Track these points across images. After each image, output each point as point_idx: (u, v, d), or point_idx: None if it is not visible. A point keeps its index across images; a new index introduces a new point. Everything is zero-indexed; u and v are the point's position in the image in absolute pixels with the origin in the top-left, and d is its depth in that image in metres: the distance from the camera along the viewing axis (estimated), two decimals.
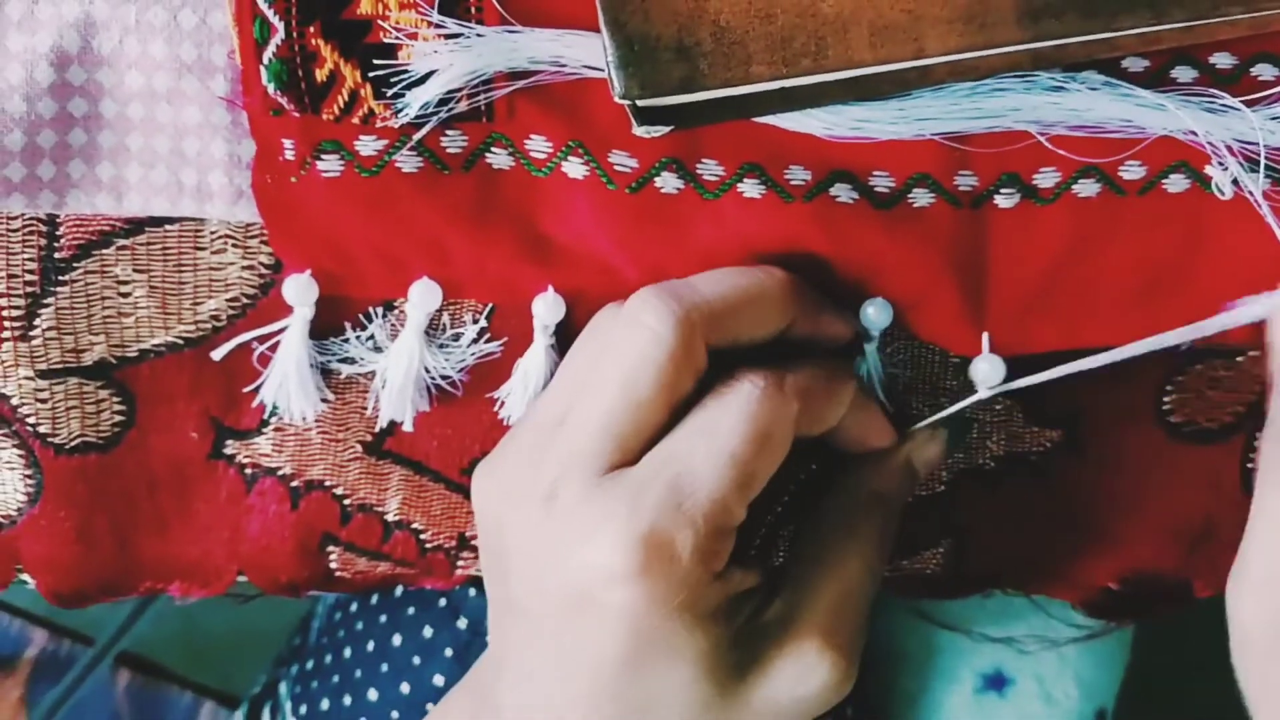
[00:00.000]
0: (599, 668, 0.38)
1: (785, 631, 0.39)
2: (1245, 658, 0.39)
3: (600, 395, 0.37)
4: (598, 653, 0.37)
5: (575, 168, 0.40)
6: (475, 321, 0.43)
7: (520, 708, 0.40)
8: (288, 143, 0.39)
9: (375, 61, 0.38)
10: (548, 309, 0.42)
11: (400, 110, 0.39)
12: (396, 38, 0.38)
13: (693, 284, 0.39)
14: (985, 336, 0.42)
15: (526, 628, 0.39)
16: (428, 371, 0.43)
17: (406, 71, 0.38)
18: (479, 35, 0.38)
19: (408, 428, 0.44)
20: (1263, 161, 0.39)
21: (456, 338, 0.43)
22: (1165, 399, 0.44)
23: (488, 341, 0.43)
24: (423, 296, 0.42)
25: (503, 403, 0.43)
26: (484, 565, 0.41)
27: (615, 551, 0.36)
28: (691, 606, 0.37)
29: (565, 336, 0.43)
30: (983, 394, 0.42)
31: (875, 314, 0.42)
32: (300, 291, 0.42)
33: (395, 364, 0.43)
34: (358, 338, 0.43)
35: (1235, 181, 0.39)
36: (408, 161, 0.40)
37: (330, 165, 0.40)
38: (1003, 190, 0.40)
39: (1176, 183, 0.40)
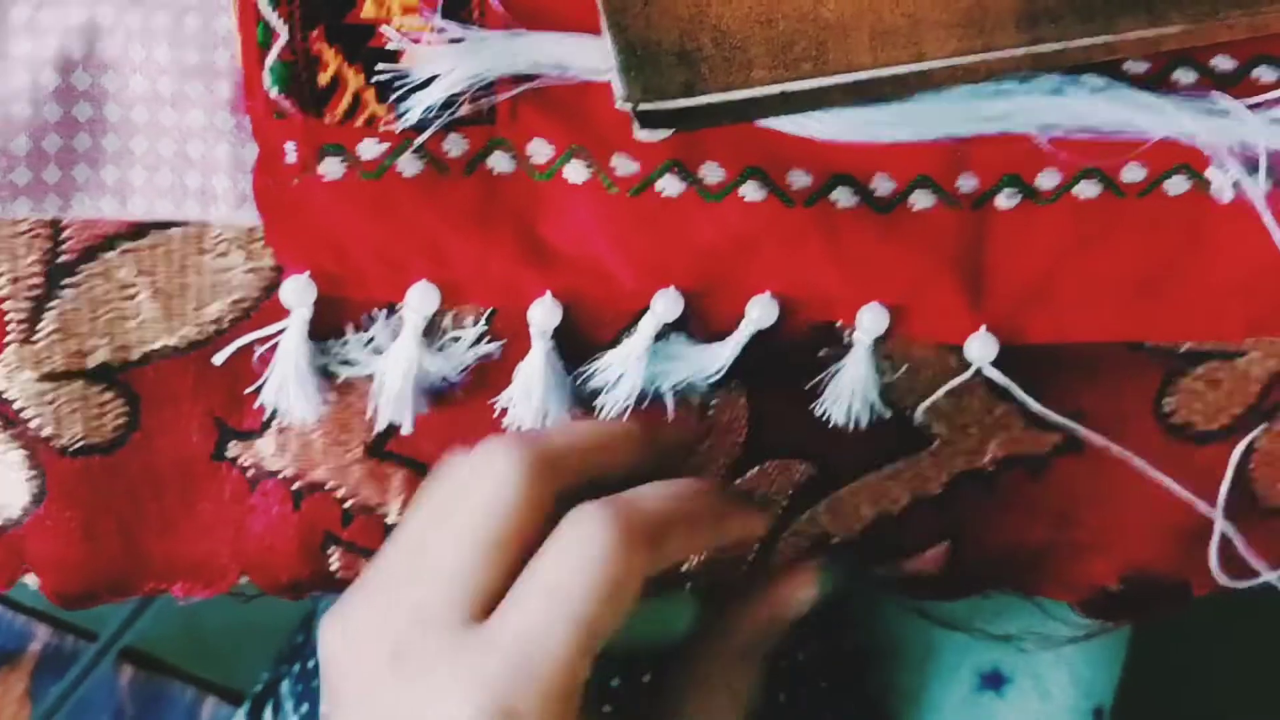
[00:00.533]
0: None
1: None
2: None
3: (450, 545, 0.37)
4: None
5: (577, 171, 0.40)
6: (475, 324, 0.43)
7: None
8: (290, 146, 0.40)
9: (378, 65, 0.38)
10: (545, 315, 0.42)
11: (403, 114, 0.39)
12: (400, 42, 0.38)
13: (541, 431, 0.40)
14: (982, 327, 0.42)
15: None
16: (427, 374, 0.43)
17: (409, 76, 0.38)
18: (482, 39, 0.38)
19: (407, 430, 0.44)
20: (1263, 164, 0.39)
21: (457, 340, 0.43)
22: (1165, 400, 0.44)
23: (488, 344, 0.43)
24: (421, 299, 0.42)
25: (505, 410, 0.44)
26: (324, 714, 0.41)
27: (473, 714, 0.35)
28: None
29: (564, 342, 0.43)
30: (965, 376, 0.42)
31: (870, 320, 0.42)
32: (298, 293, 0.42)
33: (393, 366, 0.43)
34: (358, 340, 0.43)
35: (1236, 184, 0.39)
36: (409, 165, 0.40)
37: (332, 168, 0.40)
38: (1004, 191, 0.40)
39: (1177, 185, 0.40)
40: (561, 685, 0.36)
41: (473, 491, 0.37)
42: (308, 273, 0.42)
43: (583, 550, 0.36)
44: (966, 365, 0.43)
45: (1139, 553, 0.46)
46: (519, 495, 0.37)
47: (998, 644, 0.59)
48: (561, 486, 0.38)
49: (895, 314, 0.42)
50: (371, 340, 0.43)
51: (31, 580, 0.47)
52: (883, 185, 0.40)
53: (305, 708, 0.61)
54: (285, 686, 0.64)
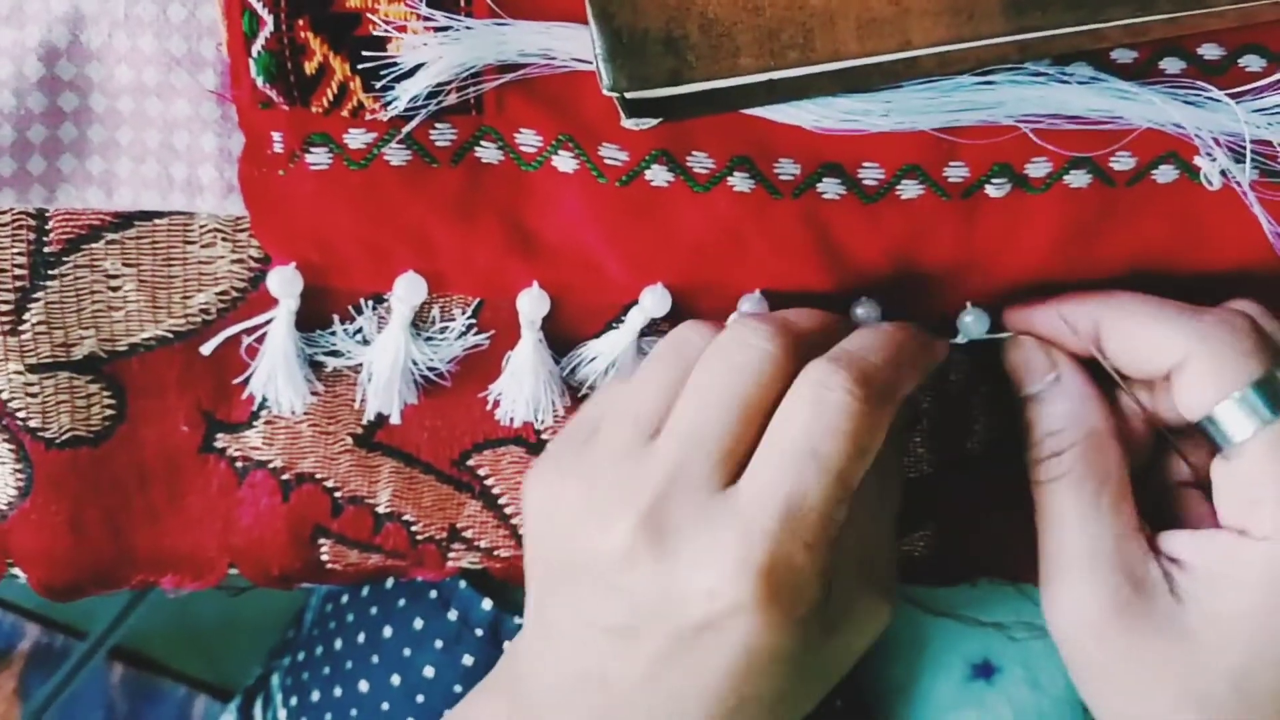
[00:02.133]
0: (711, 692, 0.37)
1: (843, 593, 0.39)
2: (1071, 664, 0.40)
3: (703, 409, 0.37)
4: (712, 678, 0.37)
5: (565, 161, 0.40)
6: (464, 315, 0.43)
7: None
8: (276, 135, 0.39)
9: (364, 54, 0.38)
10: (532, 304, 0.42)
11: (389, 103, 0.39)
12: (385, 30, 0.38)
13: (780, 314, 0.40)
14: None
15: (612, 654, 0.38)
16: (415, 364, 0.43)
17: (395, 64, 0.38)
18: (468, 28, 0.38)
19: (395, 420, 0.44)
20: (1248, 153, 0.39)
21: (444, 330, 0.43)
22: None
23: (475, 334, 0.43)
24: (407, 290, 0.42)
25: (497, 401, 0.43)
26: (539, 580, 0.40)
27: (738, 583, 0.35)
28: (804, 620, 0.37)
29: (551, 332, 0.43)
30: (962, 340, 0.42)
31: (865, 314, 0.42)
32: (285, 283, 0.42)
33: (381, 357, 0.43)
34: (345, 330, 0.43)
35: (1224, 172, 0.39)
36: (396, 154, 0.40)
37: (319, 158, 0.40)
38: (994, 180, 0.40)
39: (1166, 173, 0.40)
40: (824, 537, 0.36)
41: (735, 363, 0.37)
42: (294, 264, 0.42)
43: (830, 408, 0.36)
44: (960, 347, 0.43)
45: None
46: (764, 360, 0.37)
47: (988, 633, 0.59)
48: (800, 354, 0.38)
49: (885, 303, 0.42)
50: (359, 331, 0.43)
51: (19, 573, 0.47)
52: (871, 174, 0.40)
53: (294, 700, 0.61)
54: (275, 680, 0.64)
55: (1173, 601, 0.38)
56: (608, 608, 0.37)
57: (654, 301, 0.42)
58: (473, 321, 0.43)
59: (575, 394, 0.44)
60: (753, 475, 0.36)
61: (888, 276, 0.41)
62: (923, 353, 0.40)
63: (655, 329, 0.43)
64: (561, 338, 0.43)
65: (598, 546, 0.37)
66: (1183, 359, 0.38)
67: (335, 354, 0.43)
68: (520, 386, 0.43)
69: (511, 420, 0.44)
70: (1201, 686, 0.38)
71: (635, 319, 0.42)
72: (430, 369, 0.43)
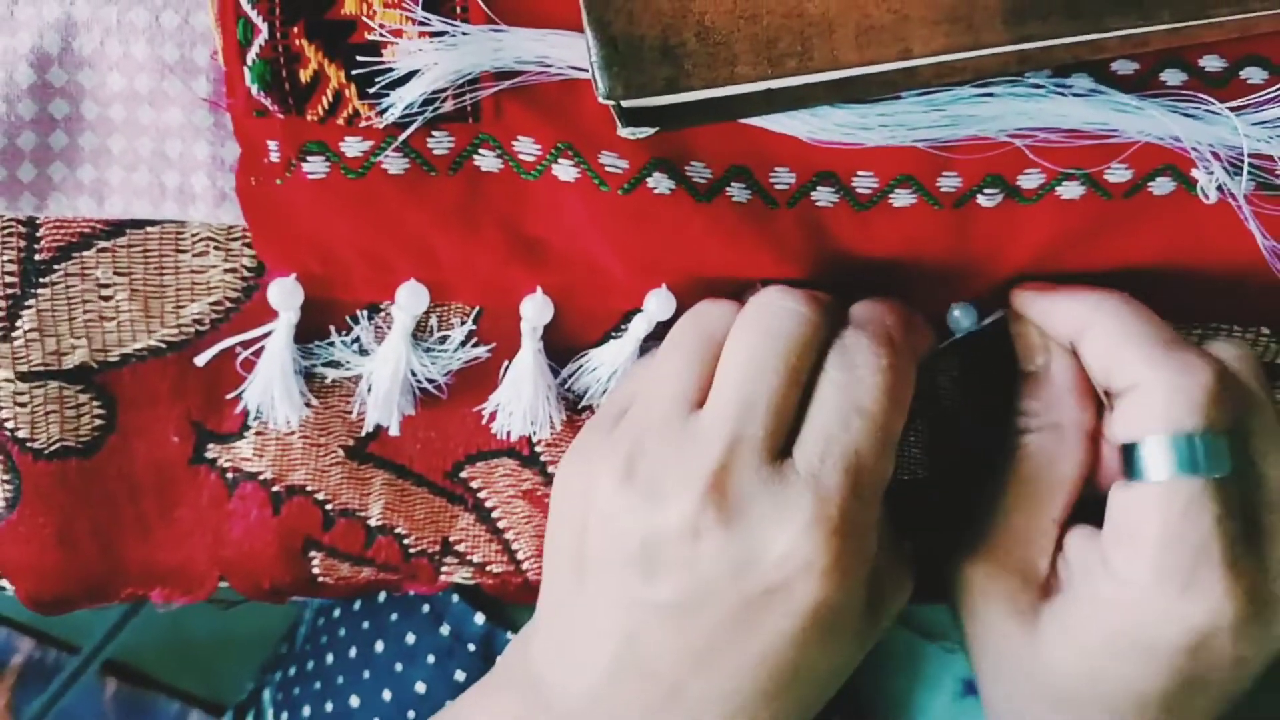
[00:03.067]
0: (770, 664, 0.38)
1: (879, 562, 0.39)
2: (967, 636, 0.42)
3: (749, 378, 0.37)
4: (773, 647, 0.37)
5: (565, 170, 0.39)
6: (463, 324, 0.42)
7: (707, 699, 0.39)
8: (272, 144, 0.39)
9: (359, 59, 0.38)
10: (536, 310, 0.42)
11: (385, 110, 0.38)
12: (381, 35, 0.38)
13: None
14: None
15: (663, 636, 0.38)
16: (413, 375, 0.42)
17: (390, 71, 0.38)
18: (464, 34, 0.38)
19: (394, 432, 0.43)
20: (1245, 167, 0.39)
21: (443, 341, 0.43)
22: None
23: (475, 345, 0.43)
24: (409, 299, 0.41)
25: (494, 414, 0.43)
26: (565, 572, 0.40)
27: (812, 542, 0.36)
28: (865, 577, 0.38)
29: (553, 339, 0.42)
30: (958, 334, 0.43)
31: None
32: (285, 295, 0.41)
33: (382, 367, 0.42)
34: (343, 341, 0.42)
35: (1220, 186, 0.39)
36: (394, 163, 0.39)
37: (315, 167, 0.39)
38: (985, 190, 0.40)
39: (1162, 185, 0.40)
40: (878, 492, 0.38)
41: (776, 328, 0.38)
42: (294, 275, 0.41)
43: (868, 369, 0.38)
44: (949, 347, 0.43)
45: None
46: (800, 324, 0.38)
47: None
48: (830, 318, 0.39)
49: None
50: (357, 341, 0.42)
51: (8, 586, 0.46)
52: (864, 183, 0.40)
53: (285, 716, 0.61)
54: (267, 695, 0.64)
55: (1040, 597, 0.40)
56: (665, 585, 0.37)
57: (658, 305, 0.41)
58: (473, 329, 0.42)
59: (574, 407, 0.44)
60: (809, 437, 0.37)
61: (881, 283, 0.41)
62: (919, 324, 0.42)
63: (656, 336, 0.42)
64: (561, 348, 0.43)
65: (654, 523, 0.37)
66: (1135, 384, 0.38)
67: (333, 365, 0.43)
68: (518, 398, 0.42)
69: (508, 434, 0.43)
70: (1050, 682, 0.40)
71: (639, 325, 0.42)
72: (429, 380, 0.43)
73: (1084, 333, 0.40)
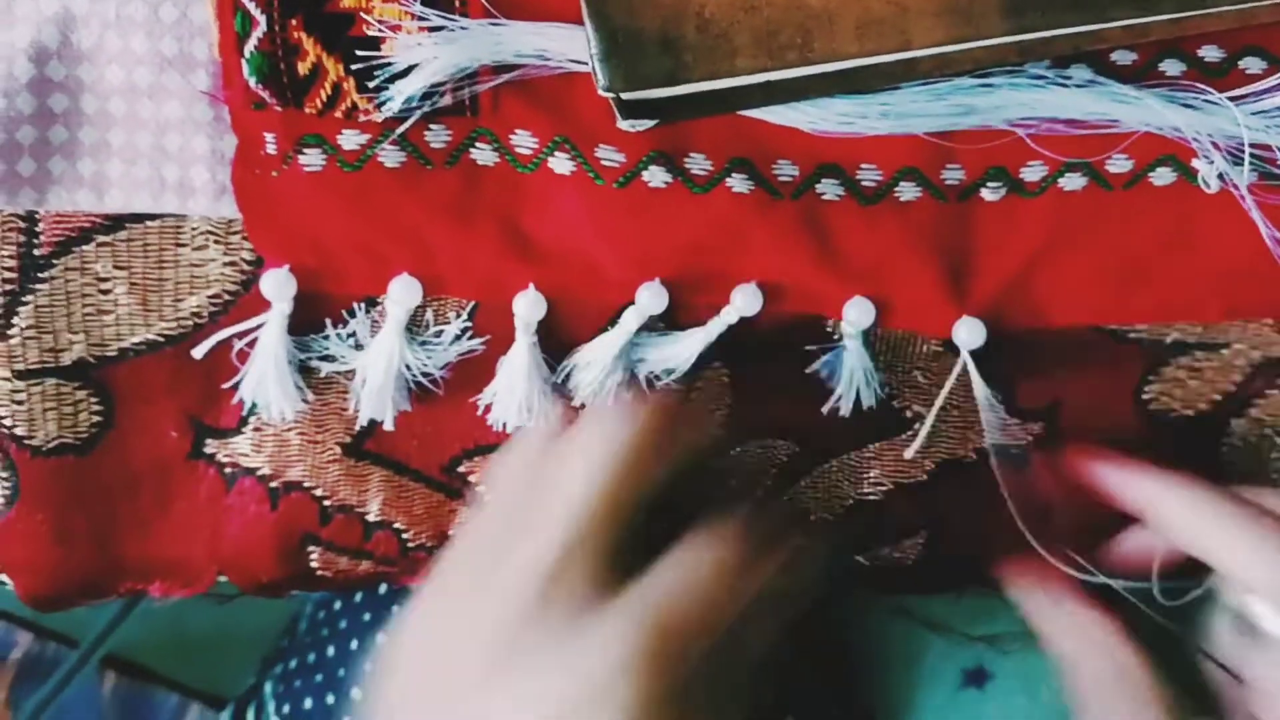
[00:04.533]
0: None
1: None
2: None
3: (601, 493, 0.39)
4: None
5: (562, 163, 0.39)
6: (458, 318, 0.42)
7: None
8: (269, 136, 0.39)
9: (358, 53, 0.38)
10: (529, 307, 0.41)
11: (383, 104, 0.38)
12: (380, 30, 0.38)
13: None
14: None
15: None
16: (409, 370, 0.42)
17: (389, 64, 0.38)
18: (462, 28, 0.37)
19: (388, 427, 0.43)
20: (1246, 156, 0.39)
21: (439, 335, 0.43)
22: (1145, 389, 0.44)
23: (470, 339, 0.43)
24: (403, 293, 0.41)
25: (488, 407, 0.43)
26: None
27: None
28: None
29: (547, 336, 0.42)
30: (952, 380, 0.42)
31: (856, 315, 0.42)
32: (278, 286, 0.41)
33: (375, 362, 0.42)
34: (338, 335, 0.42)
35: (1222, 176, 0.39)
36: (390, 156, 0.39)
37: (312, 159, 0.39)
38: (989, 184, 0.40)
39: (1163, 176, 0.40)
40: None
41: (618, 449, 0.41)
42: (287, 266, 0.41)
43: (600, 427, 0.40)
44: (949, 349, 0.42)
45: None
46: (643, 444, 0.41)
47: (981, 644, 0.59)
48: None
49: (881, 307, 0.41)
50: (353, 335, 0.42)
51: (6, 581, 0.46)
52: (869, 176, 0.40)
53: (287, 708, 0.60)
54: (268, 688, 0.64)
55: None
56: None
57: (650, 298, 0.41)
58: (468, 325, 0.42)
59: (567, 401, 0.44)
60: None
61: (883, 277, 0.41)
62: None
63: (649, 328, 0.42)
64: (555, 343, 0.43)
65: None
66: (1226, 561, 0.40)
67: (328, 359, 0.43)
68: (513, 391, 0.42)
69: (504, 426, 0.43)
70: None
71: (630, 320, 0.42)
72: (424, 375, 0.43)
73: (1159, 508, 0.41)
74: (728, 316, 0.42)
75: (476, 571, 0.40)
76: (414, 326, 0.42)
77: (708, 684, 0.38)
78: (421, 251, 0.41)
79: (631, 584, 0.38)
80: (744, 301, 0.41)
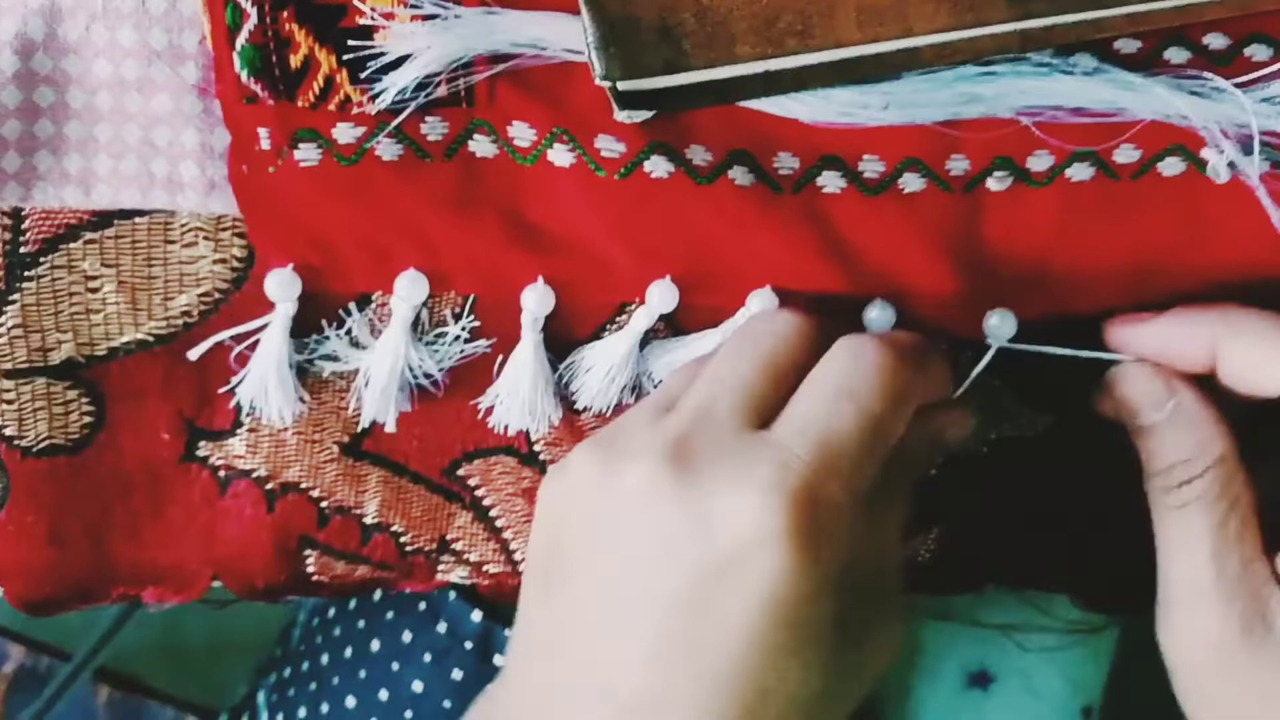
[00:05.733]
0: (746, 659, 0.35)
1: (863, 606, 0.37)
2: (1186, 688, 0.39)
3: (727, 362, 0.38)
4: (744, 639, 0.34)
5: (561, 155, 0.39)
6: (457, 319, 0.42)
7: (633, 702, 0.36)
8: (263, 131, 0.38)
9: (350, 43, 0.37)
10: (538, 300, 0.41)
11: (377, 95, 0.38)
12: (372, 18, 0.37)
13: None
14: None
15: (623, 611, 0.36)
16: (410, 370, 0.42)
17: (382, 55, 0.37)
18: (456, 17, 0.37)
19: (390, 428, 0.42)
20: (1256, 144, 0.38)
21: (439, 336, 0.42)
22: None
23: (472, 341, 0.42)
24: (409, 288, 0.41)
25: (491, 408, 0.42)
26: (539, 578, 0.38)
27: (768, 506, 0.34)
28: (836, 578, 0.35)
29: (553, 332, 0.41)
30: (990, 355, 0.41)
31: (878, 315, 0.41)
32: (283, 287, 0.40)
33: (380, 361, 0.41)
34: (338, 335, 0.42)
35: (1231, 165, 0.39)
36: (387, 149, 0.39)
37: (308, 154, 0.39)
38: (995, 174, 0.39)
39: (1172, 165, 0.39)
40: (857, 481, 0.36)
41: (744, 330, 0.39)
42: (291, 266, 0.40)
43: (864, 357, 0.37)
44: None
45: (1132, 537, 0.45)
46: (792, 325, 0.39)
47: (985, 642, 0.58)
48: (826, 333, 0.39)
49: (902, 305, 0.41)
50: (350, 334, 0.42)
51: None
52: (871, 167, 0.39)
53: (281, 717, 0.60)
54: (261, 697, 0.63)
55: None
56: (625, 554, 0.36)
57: (661, 296, 0.41)
58: (476, 324, 0.42)
59: (570, 405, 0.43)
60: (790, 412, 0.36)
61: (897, 275, 0.40)
62: (937, 361, 0.40)
63: (654, 331, 0.42)
64: (558, 342, 0.42)
65: (615, 493, 0.36)
66: None
67: (330, 359, 0.42)
68: (516, 391, 0.42)
69: (506, 429, 0.43)
70: None
71: (640, 319, 0.41)
72: (426, 375, 0.42)
73: (1225, 347, 0.38)
74: (740, 320, 0.41)
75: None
76: (412, 327, 0.42)
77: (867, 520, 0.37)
78: (426, 245, 0.40)
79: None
80: (760, 306, 0.41)
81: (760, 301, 0.41)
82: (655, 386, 0.42)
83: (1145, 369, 0.39)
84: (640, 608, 0.35)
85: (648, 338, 0.42)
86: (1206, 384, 0.39)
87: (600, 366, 0.42)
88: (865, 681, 0.38)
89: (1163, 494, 0.39)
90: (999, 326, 0.41)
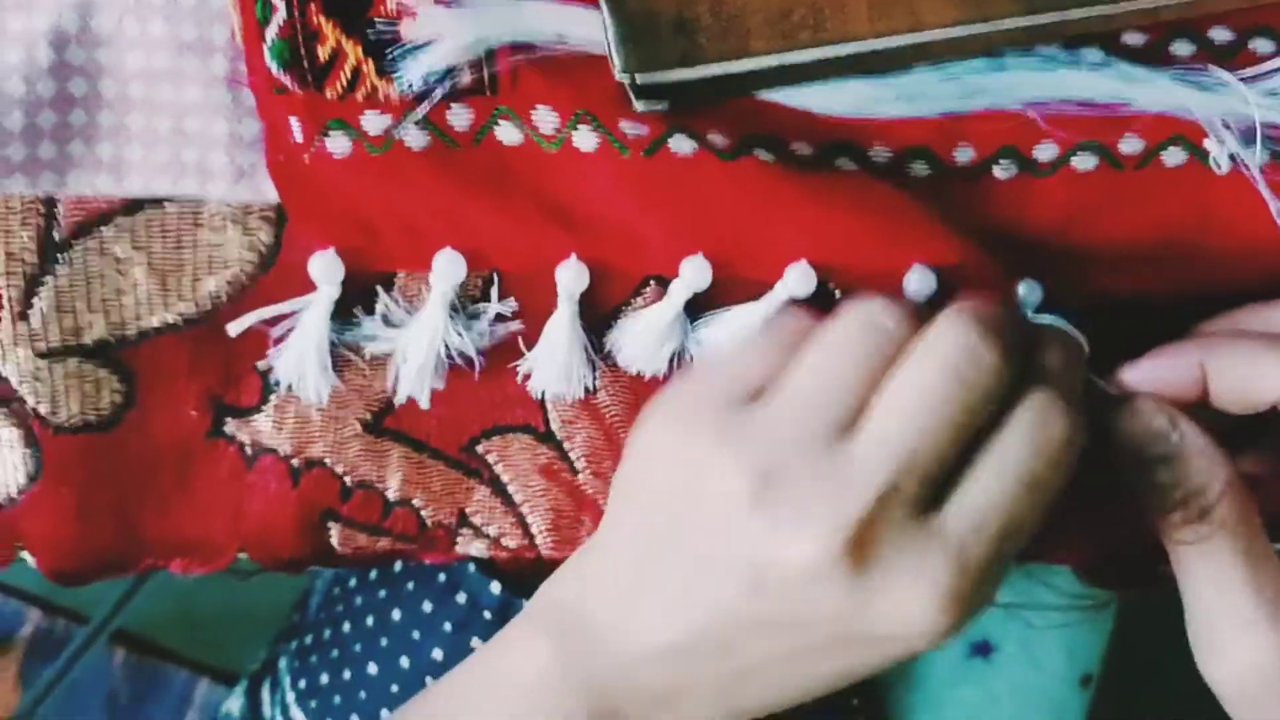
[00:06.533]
0: (842, 676, 0.37)
1: None
2: (1251, 715, 0.39)
3: (920, 423, 0.35)
4: (854, 669, 0.37)
5: (585, 138, 0.39)
6: (480, 300, 0.43)
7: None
8: (294, 122, 0.39)
9: (377, 27, 0.38)
10: (573, 277, 0.41)
11: (401, 81, 0.38)
12: (398, 4, 0.38)
13: (988, 309, 0.37)
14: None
15: (744, 638, 0.37)
16: (445, 348, 0.43)
17: (406, 44, 0.38)
18: (480, 5, 0.38)
19: (424, 405, 0.43)
20: (1259, 137, 0.39)
21: (476, 316, 0.43)
22: None
23: (499, 319, 0.43)
24: (448, 267, 0.41)
25: (528, 375, 0.43)
26: (646, 537, 0.38)
27: (941, 614, 0.35)
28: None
29: (586, 306, 0.42)
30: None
31: (918, 281, 0.40)
32: (326, 269, 0.41)
33: (417, 340, 0.42)
34: (373, 318, 0.43)
35: (1233, 156, 0.40)
36: (416, 138, 0.40)
37: (339, 144, 0.40)
38: (1000, 162, 0.40)
39: (1175, 156, 0.40)
40: (1013, 559, 0.36)
41: (939, 367, 0.35)
42: (334, 249, 0.41)
43: (1055, 442, 0.36)
44: None
45: (1136, 514, 0.46)
46: (993, 379, 0.36)
47: (989, 615, 0.59)
48: (1016, 371, 0.36)
49: (943, 278, 0.41)
50: (385, 316, 0.43)
51: (28, 558, 0.47)
52: (880, 155, 0.40)
53: (303, 683, 0.61)
54: (283, 664, 0.64)
55: None
56: (765, 604, 0.36)
57: (694, 272, 0.41)
58: (515, 307, 0.42)
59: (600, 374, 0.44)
60: (968, 501, 0.35)
61: (928, 242, 0.40)
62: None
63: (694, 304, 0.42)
64: (591, 314, 0.43)
65: (776, 553, 0.35)
66: None
67: (368, 339, 0.43)
68: (554, 358, 0.42)
69: (542, 394, 0.43)
70: None
71: (678, 292, 0.41)
72: (460, 354, 0.43)
73: (1213, 370, 0.39)
74: (779, 294, 0.41)
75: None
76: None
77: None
78: (461, 227, 0.41)
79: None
80: (796, 280, 0.41)
81: (798, 275, 0.41)
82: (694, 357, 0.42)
83: (1148, 402, 0.39)
84: (747, 642, 0.37)
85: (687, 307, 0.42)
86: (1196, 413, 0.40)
87: (649, 332, 0.42)
88: None
89: (1183, 530, 0.38)
90: (1028, 294, 0.41)
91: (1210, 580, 0.38)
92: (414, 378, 0.43)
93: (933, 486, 0.35)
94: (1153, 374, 0.39)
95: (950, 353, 0.35)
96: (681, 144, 0.39)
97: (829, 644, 0.37)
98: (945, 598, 0.35)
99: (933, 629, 0.35)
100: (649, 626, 0.38)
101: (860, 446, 0.35)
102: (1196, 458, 0.38)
